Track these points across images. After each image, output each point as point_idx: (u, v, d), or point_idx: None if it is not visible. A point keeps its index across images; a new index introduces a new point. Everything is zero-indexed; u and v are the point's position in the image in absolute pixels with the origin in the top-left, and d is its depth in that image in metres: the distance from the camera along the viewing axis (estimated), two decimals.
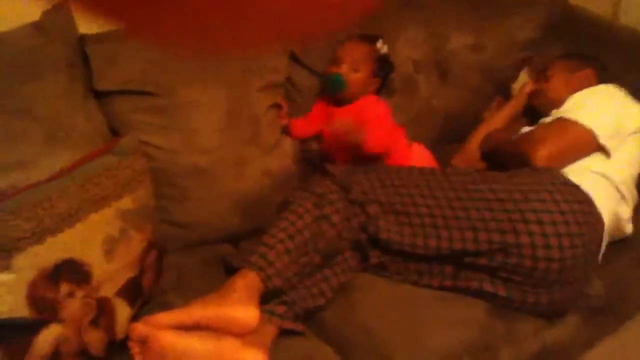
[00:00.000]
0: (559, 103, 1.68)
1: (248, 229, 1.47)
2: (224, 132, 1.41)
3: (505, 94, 1.94)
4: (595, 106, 1.50)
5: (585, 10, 1.97)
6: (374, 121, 1.47)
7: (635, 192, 1.51)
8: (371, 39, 1.60)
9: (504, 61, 1.92)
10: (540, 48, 1.94)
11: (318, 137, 1.64)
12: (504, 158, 1.62)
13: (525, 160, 1.45)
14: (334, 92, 1.55)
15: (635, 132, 1.51)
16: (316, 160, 1.58)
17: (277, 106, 1.57)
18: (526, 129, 1.76)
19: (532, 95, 1.82)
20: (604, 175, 1.44)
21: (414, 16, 1.79)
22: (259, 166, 1.47)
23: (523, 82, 1.92)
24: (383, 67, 1.62)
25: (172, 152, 1.36)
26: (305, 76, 1.65)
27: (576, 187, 1.36)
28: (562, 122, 1.50)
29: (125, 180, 1.14)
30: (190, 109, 1.37)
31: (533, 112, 1.82)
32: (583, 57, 1.77)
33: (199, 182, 1.39)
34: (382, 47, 1.61)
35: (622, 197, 1.45)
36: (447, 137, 1.91)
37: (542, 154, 1.43)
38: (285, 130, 1.60)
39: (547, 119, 1.62)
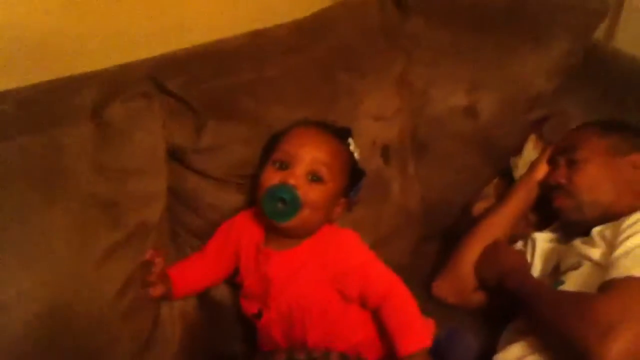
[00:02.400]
0: (594, 208, 1.11)
1: None
2: None
3: (506, 175, 1.33)
4: None
5: (617, 50, 1.37)
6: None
7: None
8: (339, 133, 0.95)
9: (506, 128, 1.30)
10: (557, 105, 1.33)
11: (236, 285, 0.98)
12: (535, 322, 1.02)
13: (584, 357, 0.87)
14: (280, 220, 0.88)
15: None
16: None
17: (146, 266, 0.88)
18: (541, 238, 1.19)
19: (549, 187, 1.21)
20: None
21: (380, 69, 1.13)
22: None
23: (529, 158, 1.30)
24: (356, 179, 0.98)
25: None
26: (198, 184, 0.97)
27: None
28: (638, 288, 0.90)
29: None
30: None
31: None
32: (627, 129, 1.18)
33: None
34: (355, 148, 0.97)
35: None
36: (425, 233, 1.30)
37: (616, 352, 0.84)
38: (168, 294, 0.92)
39: (593, 251, 1.03)
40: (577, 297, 0.96)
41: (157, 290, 0.89)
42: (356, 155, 0.97)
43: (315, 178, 0.88)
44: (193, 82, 0.92)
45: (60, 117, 0.81)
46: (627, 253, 0.95)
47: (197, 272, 0.96)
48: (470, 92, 1.24)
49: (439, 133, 1.23)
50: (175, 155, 0.92)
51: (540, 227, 1.24)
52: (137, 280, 0.84)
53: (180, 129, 0.91)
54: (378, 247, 1.11)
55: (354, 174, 0.97)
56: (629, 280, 0.90)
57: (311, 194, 0.88)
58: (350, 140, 0.97)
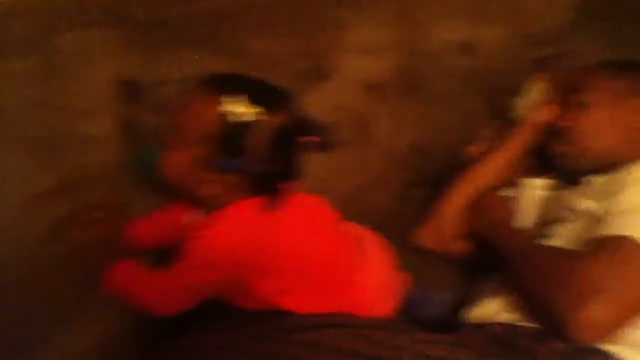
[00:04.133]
0: (595, 156, 1.03)
1: None
2: None
3: (508, 117, 1.24)
4: None
5: None
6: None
7: None
8: (220, 87, 0.77)
9: (508, 65, 1.20)
10: (567, 43, 1.22)
11: None
12: (515, 275, 0.97)
13: (557, 323, 0.81)
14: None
15: None
16: None
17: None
18: (530, 185, 1.12)
19: (549, 130, 1.12)
20: None
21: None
22: None
23: (532, 99, 1.21)
24: (231, 147, 0.77)
25: None
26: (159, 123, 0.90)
27: None
28: (630, 251, 0.83)
29: None
30: None
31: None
32: None
33: None
34: (235, 107, 0.75)
35: None
36: (415, 178, 1.24)
37: (591, 319, 0.77)
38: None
39: (585, 202, 0.95)
40: (560, 254, 0.89)
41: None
42: (237, 116, 0.76)
43: (176, 144, 0.78)
44: (157, 8, 0.83)
45: (4, 46, 0.74)
46: (624, 210, 0.87)
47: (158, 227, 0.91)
48: (470, 25, 1.14)
49: (434, 70, 1.15)
50: (132, 91, 0.85)
51: (533, 174, 1.17)
52: (74, 226, 0.79)
53: (138, 61, 0.84)
54: (364, 192, 1.06)
55: (226, 141, 0.76)
56: (621, 240, 0.82)
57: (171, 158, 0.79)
58: (225, 98, 0.75)
